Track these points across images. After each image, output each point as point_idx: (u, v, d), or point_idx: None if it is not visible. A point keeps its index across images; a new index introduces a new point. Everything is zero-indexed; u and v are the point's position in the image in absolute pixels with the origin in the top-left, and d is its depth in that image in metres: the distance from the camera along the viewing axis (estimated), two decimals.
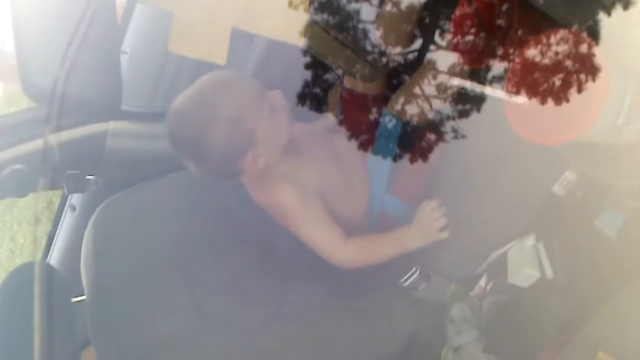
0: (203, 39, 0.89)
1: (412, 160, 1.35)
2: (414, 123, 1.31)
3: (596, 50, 0.87)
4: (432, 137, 1.30)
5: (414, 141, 1.34)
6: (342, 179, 1.43)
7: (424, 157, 1.33)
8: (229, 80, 1.29)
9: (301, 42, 1.06)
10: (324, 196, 1.39)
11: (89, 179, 1.47)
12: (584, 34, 0.88)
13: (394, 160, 1.41)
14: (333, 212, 1.39)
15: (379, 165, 1.45)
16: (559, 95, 0.90)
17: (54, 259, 1.71)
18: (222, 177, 1.41)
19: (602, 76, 0.85)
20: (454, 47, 1.15)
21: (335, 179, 1.42)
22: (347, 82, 1.34)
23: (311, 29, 1.09)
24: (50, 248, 1.72)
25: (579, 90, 0.89)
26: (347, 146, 1.45)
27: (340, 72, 1.35)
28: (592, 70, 0.87)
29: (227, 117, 1.25)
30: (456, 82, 1.07)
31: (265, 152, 1.31)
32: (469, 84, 1.06)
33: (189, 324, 1.34)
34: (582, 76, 0.88)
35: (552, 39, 0.90)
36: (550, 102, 0.90)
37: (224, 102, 1.26)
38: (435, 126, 1.28)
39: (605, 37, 0.87)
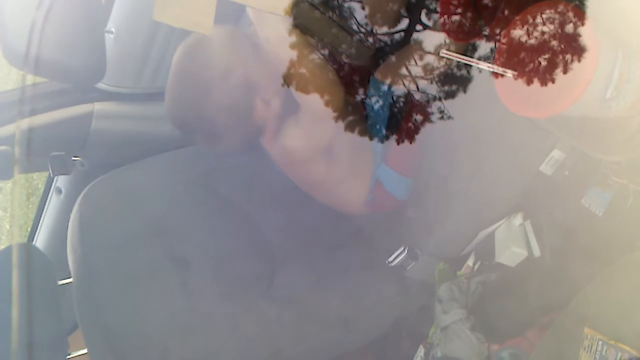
0: (189, 8, 0.87)
1: (398, 142, 1.35)
2: (401, 103, 1.30)
3: (586, 21, 0.87)
4: (419, 117, 1.30)
5: (401, 122, 1.33)
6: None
7: (411, 138, 1.32)
8: (198, 41, 1.21)
9: (289, 14, 1.04)
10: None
11: (74, 161, 1.46)
12: (574, 5, 0.87)
13: (381, 141, 1.41)
14: (340, 173, 1.38)
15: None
16: (549, 68, 0.89)
17: (40, 242, 1.70)
18: (244, 139, 1.31)
19: (591, 47, 0.85)
20: (442, 27, 1.14)
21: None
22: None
23: (299, 4, 1.08)
24: (35, 232, 1.71)
25: (568, 65, 0.89)
26: None
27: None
28: (581, 42, 0.86)
29: (214, 77, 1.19)
30: (445, 56, 1.07)
31: (273, 92, 1.23)
32: (457, 59, 1.06)
33: (176, 305, 1.34)
34: (572, 48, 0.87)
35: (542, 12, 0.90)
36: (540, 74, 0.90)
37: (203, 65, 1.20)
38: (421, 106, 1.27)
39: (595, 7, 0.87)
